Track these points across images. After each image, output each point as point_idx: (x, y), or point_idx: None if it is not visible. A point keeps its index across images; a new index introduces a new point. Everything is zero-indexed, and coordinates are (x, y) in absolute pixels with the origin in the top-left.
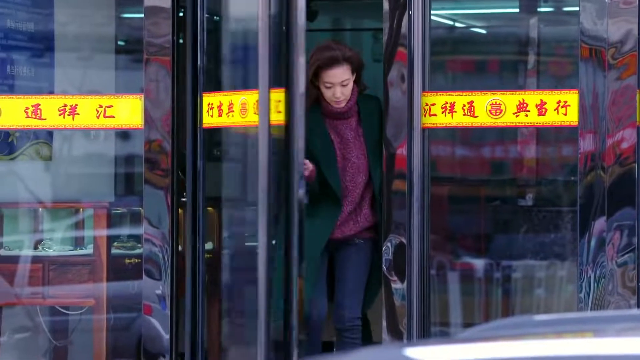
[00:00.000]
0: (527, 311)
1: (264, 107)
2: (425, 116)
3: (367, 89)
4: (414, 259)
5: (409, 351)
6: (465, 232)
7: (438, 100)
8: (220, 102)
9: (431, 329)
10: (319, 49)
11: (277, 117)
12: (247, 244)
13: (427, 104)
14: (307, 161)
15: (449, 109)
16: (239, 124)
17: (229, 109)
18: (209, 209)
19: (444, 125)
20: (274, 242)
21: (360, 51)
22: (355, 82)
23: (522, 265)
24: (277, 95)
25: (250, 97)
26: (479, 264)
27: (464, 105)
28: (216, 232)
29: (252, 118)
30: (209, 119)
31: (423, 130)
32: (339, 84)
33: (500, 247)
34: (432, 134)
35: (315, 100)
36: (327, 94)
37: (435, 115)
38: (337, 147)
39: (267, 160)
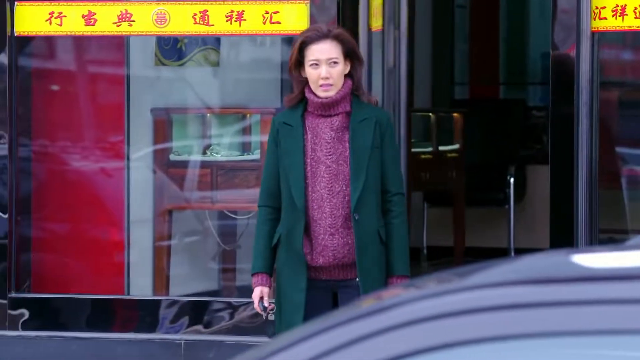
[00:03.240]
0: None
1: None
2: (594, 20)
3: (376, 103)
4: (581, 164)
5: (576, 257)
6: (635, 138)
7: (608, 3)
8: None
9: (599, 236)
10: (305, 30)
11: None
12: None
13: (596, 7)
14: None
15: (619, 12)
16: None
17: None
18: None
19: (614, 28)
20: None
21: None
22: (349, 77)
23: None
24: None
25: None
26: None
27: (636, 8)
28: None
29: None
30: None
31: (592, 34)
32: (325, 61)
33: None
34: (602, 38)
35: (302, 99)
36: (313, 75)
37: (605, 18)
38: (308, 146)
39: None
